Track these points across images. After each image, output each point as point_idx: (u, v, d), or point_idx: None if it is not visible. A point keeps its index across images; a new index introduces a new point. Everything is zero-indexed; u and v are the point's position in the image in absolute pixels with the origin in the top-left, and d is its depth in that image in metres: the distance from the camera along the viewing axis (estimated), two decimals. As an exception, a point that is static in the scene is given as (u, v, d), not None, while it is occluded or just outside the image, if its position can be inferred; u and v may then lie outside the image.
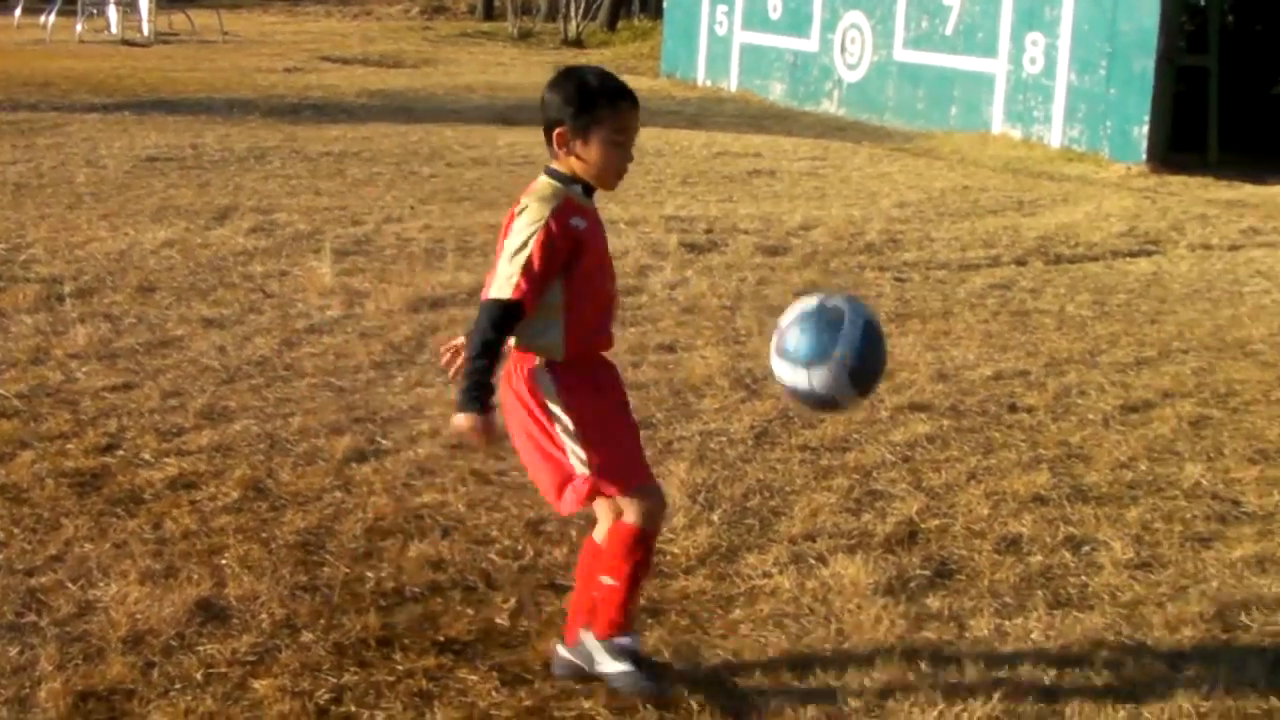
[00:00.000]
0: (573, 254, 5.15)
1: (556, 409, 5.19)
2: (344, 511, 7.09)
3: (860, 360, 5.27)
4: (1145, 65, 22.87)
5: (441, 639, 5.88)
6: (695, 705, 5.38)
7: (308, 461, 7.72)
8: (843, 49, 28.78)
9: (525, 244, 5.04)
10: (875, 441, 8.41)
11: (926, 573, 6.69)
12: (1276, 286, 13.95)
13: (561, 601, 6.16)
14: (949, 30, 26.10)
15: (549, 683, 5.53)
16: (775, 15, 30.55)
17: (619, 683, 5.32)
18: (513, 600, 6.20)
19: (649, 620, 6.08)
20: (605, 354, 5.52)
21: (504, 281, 5.06)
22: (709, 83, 32.35)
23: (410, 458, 7.81)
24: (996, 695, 5.51)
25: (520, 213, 5.15)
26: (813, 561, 6.71)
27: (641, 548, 5.28)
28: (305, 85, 26.82)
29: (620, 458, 5.25)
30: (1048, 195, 18.52)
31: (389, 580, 6.36)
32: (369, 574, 6.42)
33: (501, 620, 6.05)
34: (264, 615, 5.97)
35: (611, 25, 43.82)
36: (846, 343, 5.24)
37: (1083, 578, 6.79)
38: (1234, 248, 16.05)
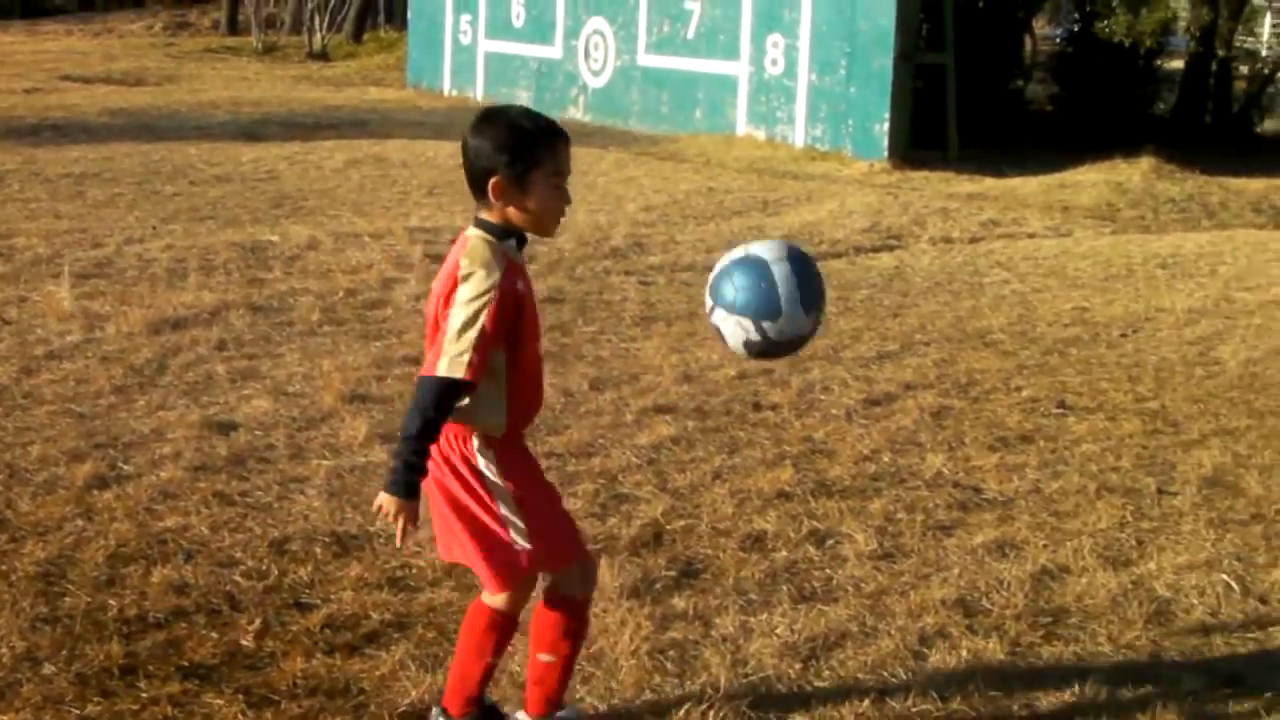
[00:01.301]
0: (513, 322, 4.75)
1: (497, 482, 4.86)
2: (85, 539, 6.89)
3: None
4: (884, 64, 23.26)
5: (186, 664, 5.75)
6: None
7: (48, 490, 7.50)
8: (586, 55, 28.88)
9: (476, 317, 4.61)
10: (620, 445, 8.41)
11: (672, 573, 6.69)
12: (1016, 277, 14.25)
13: (307, 620, 6.07)
14: (690, 34, 26.31)
15: (295, 702, 5.44)
16: (519, 23, 30.60)
17: None
18: (258, 621, 6.08)
19: (395, 635, 6.01)
20: None
21: (456, 360, 4.62)
22: (455, 92, 32.32)
23: (152, 482, 7.62)
24: (742, 691, 5.52)
25: (464, 280, 4.68)
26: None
27: (582, 620, 5.15)
28: (45, 106, 26.25)
29: (561, 530, 5.04)
30: (792, 194, 18.72)
31: (132, 607, 6.20)
32: (111, 602, 6.25)
33: (247, 642, 5.93)
34: (3, 649, 5.79)
35: (357, 37, 43.62)
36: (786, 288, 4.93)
37: (827, 571, 6.85)
38: (974, 240, 16.39)
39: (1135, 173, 22.18)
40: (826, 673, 5.83)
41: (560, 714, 5.22)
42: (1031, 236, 17.11)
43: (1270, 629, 6.53)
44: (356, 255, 13.08)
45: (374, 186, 17.99)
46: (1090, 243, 16.87)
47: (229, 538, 6.95)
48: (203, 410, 8.68)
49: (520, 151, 4.73)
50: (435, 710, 5.22)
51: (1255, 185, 22.53)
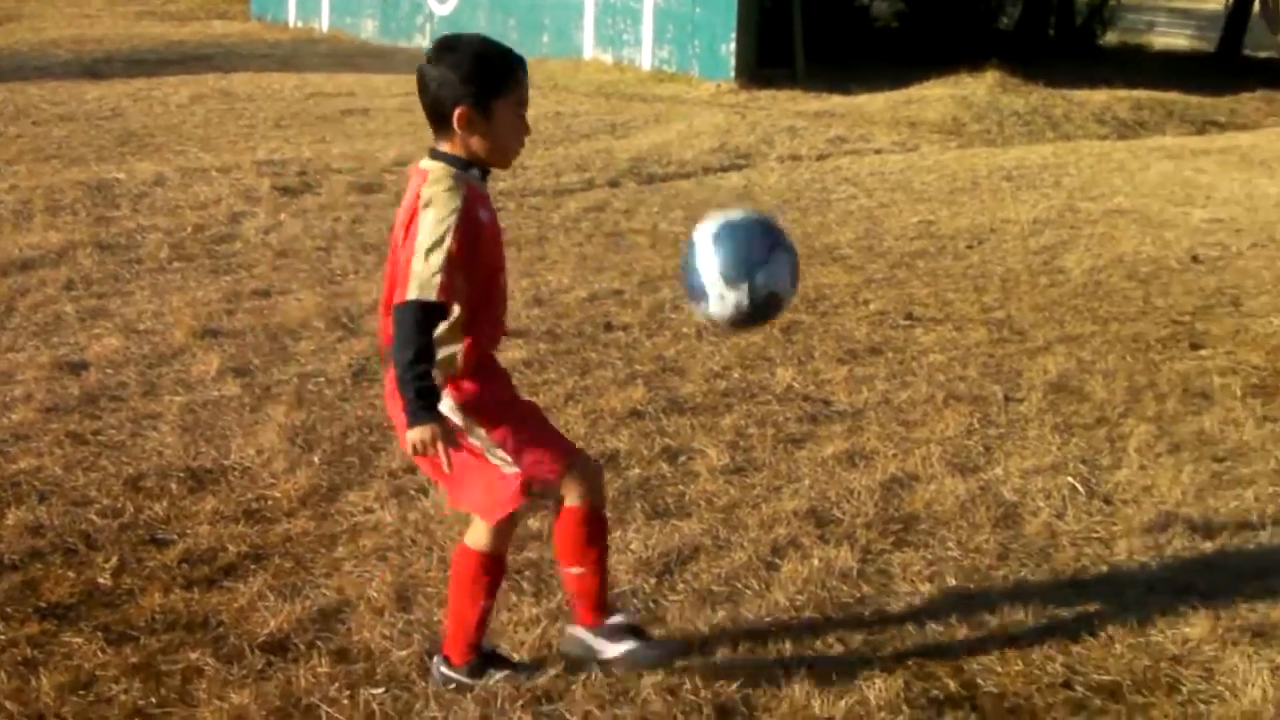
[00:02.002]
0: (474, 249, 4.67)
1: (461, 420, 4.81)
2: (-66, 486, 6.84)
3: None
4: (729, -16, 23.29)
5: (44, 604, 5.72)
6: (303, 645, 5.38)
7: (-107, 436, 7.42)
8: (432, -18, 28.72)
9: (442, 240, 4.54)
10: (474, 370, 8.43)
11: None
12: (863, 192, 14.40)
13: (164, 555, 6.07)
14: (536, -42, 26.24)
15: (154, 638, 5.44)
16: (363, -48, 30.37)
17: (626, 663, 5.11)
18: (114, 559, 6.07)
19: (252, 566, 6.03)
20: None
21: (426, 281, 4.54)
22: (300, 24, 31.97)
23: (4, 425, 7.54)
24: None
25: (425, 207, 4.62)
26: (414, 494, 6.71)
27: (596, 524, 5.06)
28: (-122, 48, 25.75)
29: (542, 444, 4.94)
30: (640, 117, 18.75)
31: (-14, 550, 6.17)
32: (-36, 547, 6.21)
33: (104, 580, 5.91)
34: None
35: (199, -30, 42.95)
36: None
37: (680, 487, 6.93)
38: (822, 157, 16.51)
39: (980, 87, 22.41)
40: (681, 586, 5.91)
41: (613, 620, 5.19)
42: (878, 152, 17.25)
43: (1114, 528, 6.70)
44: (204, 190, 12.96)
45: (220, 121, 17.81)
46: (936, 157, 17.06)
47: (83, 477, 6.91)
48: (53, 351, 8.60)
49: (487, 81, 4.66)
50: (436, 659, 5.18)
51: (1098, 97, 22.82)
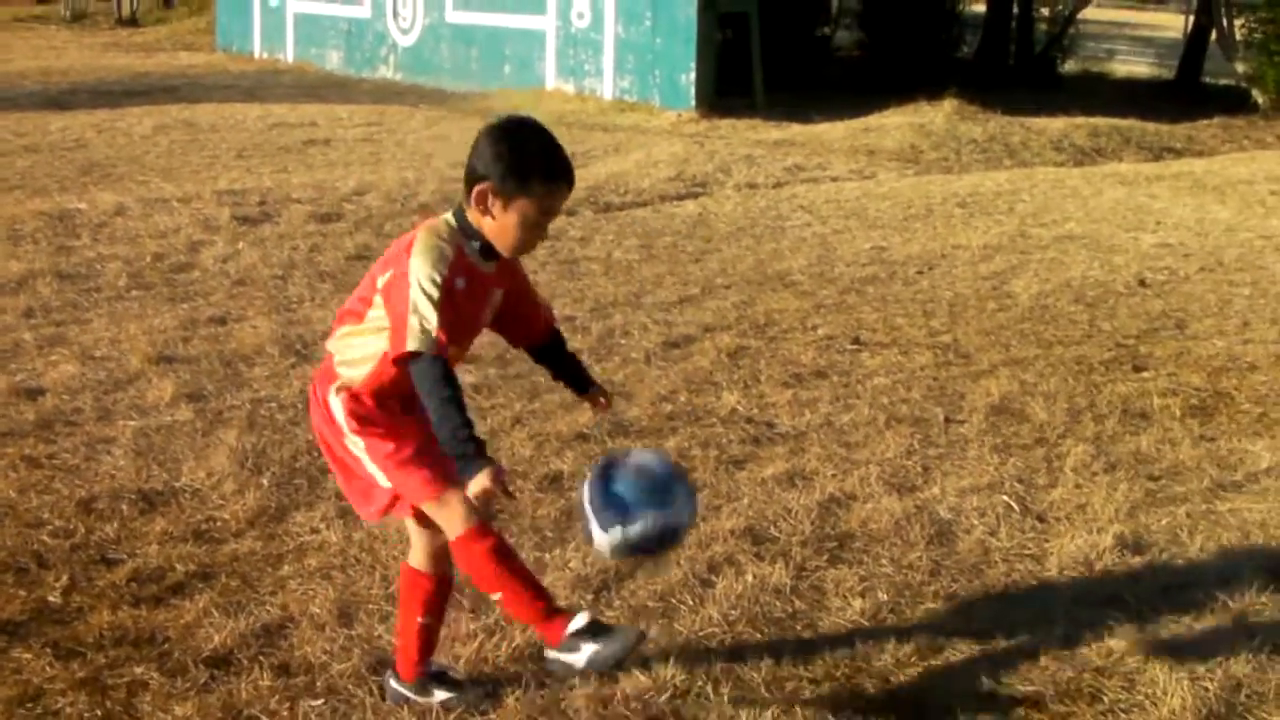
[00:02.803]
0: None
1: (344, 425, 4.89)
2: (-110, 508, 6.95)
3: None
4: (688, 14, 23.58)
5: (-6, 622, 5.85)
6: (245, 660, 5.50)
7: None
8: (395, 14, 28.91)
9: (434, 299, 4.58)
10: (424, 395, 8.56)
11: (471, 515, 6.87)
12: (817, 219, 14.56)
13: (113, 575, 6.19)
14: (497, -11, 26.44)
15: (102, 653, 5.55)
16: (327, -16, 30.54)
17: (597, 667, 4.95)
18: (65, 578, 6.19)
19: (200, 585, 6.15)
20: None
21: (426, 333, 4.57)
22: (266, 55, 32.16)
23: (-42, 449, 7.68)
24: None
25: (417, 253, 4.66)
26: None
27: (482, 542, 4.82)
28: None
29: (422, 468, 4.84)
30: (600, 146, 18.92)
31: (-62, 571, 6.29)
32: (-84, 566, 6.33)
33: (54, 598, 6.02)
34: None
35: (168, 2, 43.12)
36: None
37: (621, 507, 7.05)
38: (778, 185, 16.71)
39: (938, 115, 22.66)
40: (617, 602, 6.05)
41: (569, 628, 4.89)
42: (835, 180, 17.45)
43: (1046, 544, 6.85)
44: (164, 220, 13.07)
45: (183, 151, 17.94)
46: (892, 184, 17.26)
47: (36, 499, 7.02)
48: (9, 377, 8.70)
49: (518, 173, 4.65)
50: (388, 673, 5.31)
51: (1056, 124, 23.09)
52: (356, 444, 4.90)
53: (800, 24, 29.65)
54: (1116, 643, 5.90)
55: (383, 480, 4.91)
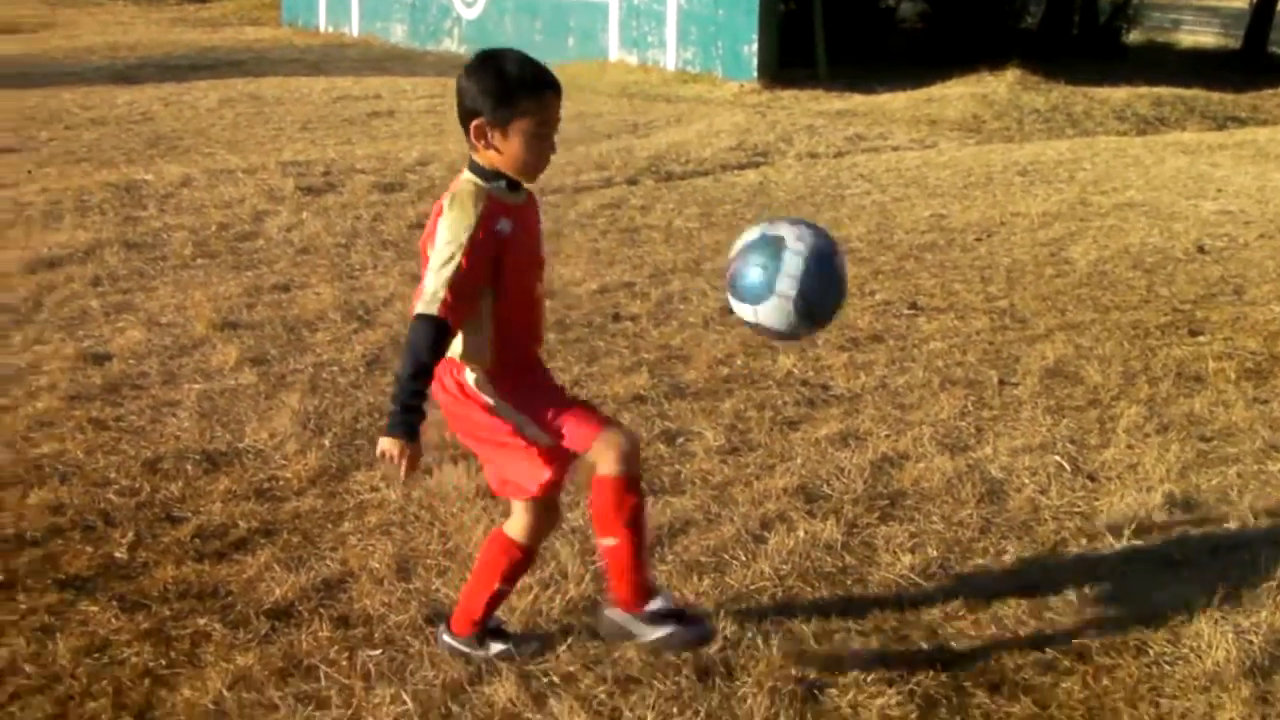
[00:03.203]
0: (497, 261, 4.73)
1: (495, 401, 4.89)
2: (-39, 469, 7.10)
3: (804, 294, 4.90)
4: (751, -15, 23.53)
5: (62, 576, 5.98)
6: (306, 612, 5.63)
7: (-78, 425, 7.70)
8: (460, -13, 29.00)
9: (452, 257, 4.62)
10: (484, 359, 8.68)
11: (528, 474, 6.98)
12: (877, 188, 14.60)
13: (178, 532, 6.33)
14: (561, -38, 26.49)
15: (166, 606, 5.69)
16: (392, -42, 30.68)
17: (664, 646, 5.06)
18: (130, 534, 6.33)
19: (262, 541, 6.28)
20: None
21: (431, 298, 4.62)
22: (331, 29, 32.34)
23: (29, 412, 7.81)
24: (588, 577, 5.83)
25: (443, 217, 4.71)
26: (419, 473, 6.95)
27: (630, 494, 4.91)
28: (-84, 56, 26.11)
29: (571, 416, 4.93)
30: (662, 117, 18.99)
31: (9, 528, 6.40)
32: (-11, 525, 6.48)
33: (120, 554, 6.16)
34: (-119, 570, 6.02)
35: (232, -22, 43.32)
36: (788, 278, 4.89)
37: (676, 466, 7.17)
38: (839, 155, 16.74)
39: (1001, 85, 22.66)
40: (670, 557, 6.15)
41: (652, 605, 5.03)
42: (895, 149, 17.48)
43: (1097, 503, 6.91)
44: (229, 190, 13.25)
45: (248, 124, 18.12)
46: (953, 153, 17.27)
47: (103, 459, 7.17)
48: (78, 343, 8.87)
49: (504, 98, 4.70)
50: (441, 626, 5.39)
51: (1119, 94, 23.02)
52: (508, 410, 4.92)
53: (865, -6, 29.68)
54: (1163, 597, 5.96)
55: (538, 435, 4.93)
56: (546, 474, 4.99)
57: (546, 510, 5.16)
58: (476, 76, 4.75)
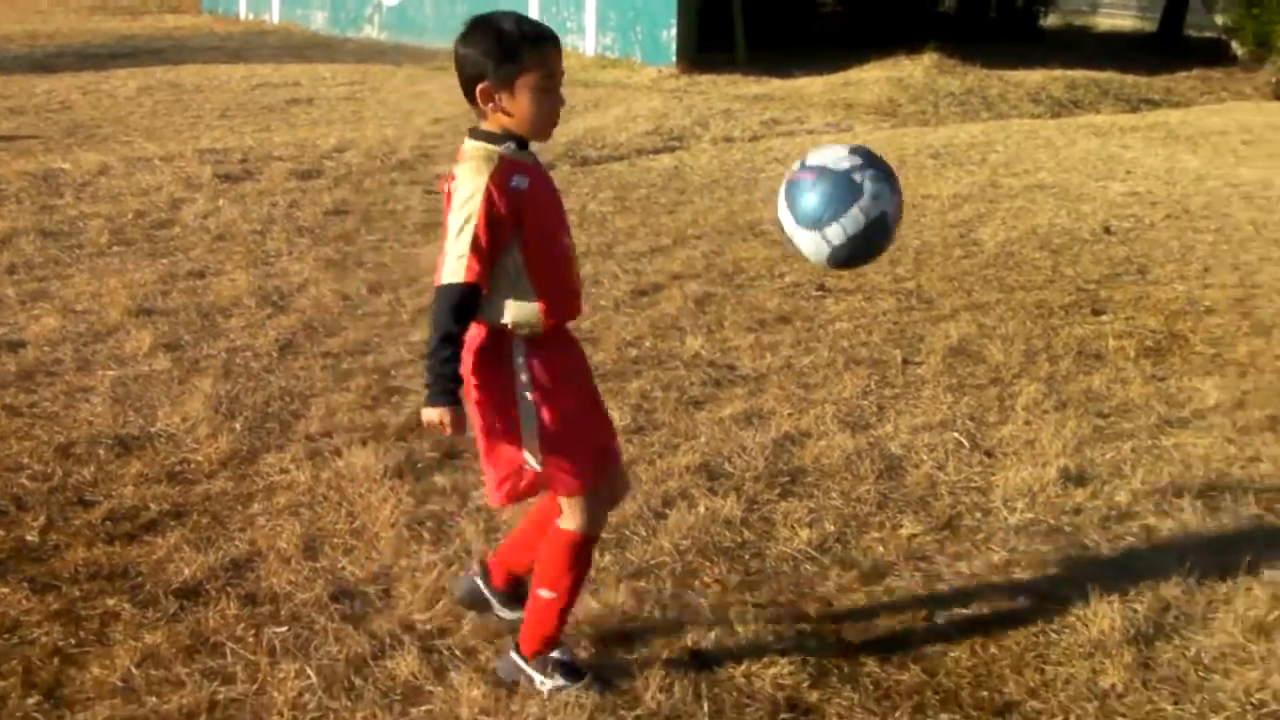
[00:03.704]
0: (518, 217, 4.61)
1: (523, 394, 4.75)
2: None
3: (844, 247, 4.96)
4: (669, -30, 23.67)
5: (-27, 563, 6.08)
6: (214, 591, 5.74)
7: None
8: (381, -27, 29.03)
9: (469, 219, 4.53)
10: (395, 343, 8.80)
11: (435, 455, 7.10)
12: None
13: (89, 515, 6.42)
14: (481, -52, 26.55)
15: (76, 587, 5.77)
16: (312, -56, 30.66)
17: (554, 695, 5.03)
18: (42, 518, 6.40)
19: (172, 523, 6.37)
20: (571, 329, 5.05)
21: (455, 263, 4.55)
22: (251, 16, 32.30)
23: (-59, 400, 7.89)
24: (492, 550, 5.94)
25: (455, 185, 4.64)
26: (328, 455, 7.07)
27: (585, 556, 5.01)
28: None
29: (577, 453, 4.86)
30: (580, 102, 19.07)
31: (-81, 515, 6.50)
32: (-103, 511, 6.54)
33: (31, 537, 6.23)
34: None
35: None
36: (840, 228, 4.92)
37: (582, 446, 7.29)
38: (754, 139, 16.91)
39: (917, 69, 22.89)
40: (570, 534, 6.29)
41: (555, 654, 5.10)
42: (811, 133, 17.65)
43: (993, 478, 7.09)
44: (147, 179, 13.29)
45: (167, 112, 18.13)
46: (867, 136, 17.47)
47: (16, 445, 7.24)
48: (-8, 331, 8.94)
49: (506, 56, 4.62)
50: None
51: (1035, 77, 23.29)
52: (528, 412, 4.79)
53: (783, -21, 29.84)
54: (1053, 569, 6.15)
55: (533, 462, 4.82)
56: (501, 497, 4.97)
57: (601, 495, 5.04)
58: (475, 40, 4.68)
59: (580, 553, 4.99)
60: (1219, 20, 29.97)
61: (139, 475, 6.86)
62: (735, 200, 13.25)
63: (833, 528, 6.45)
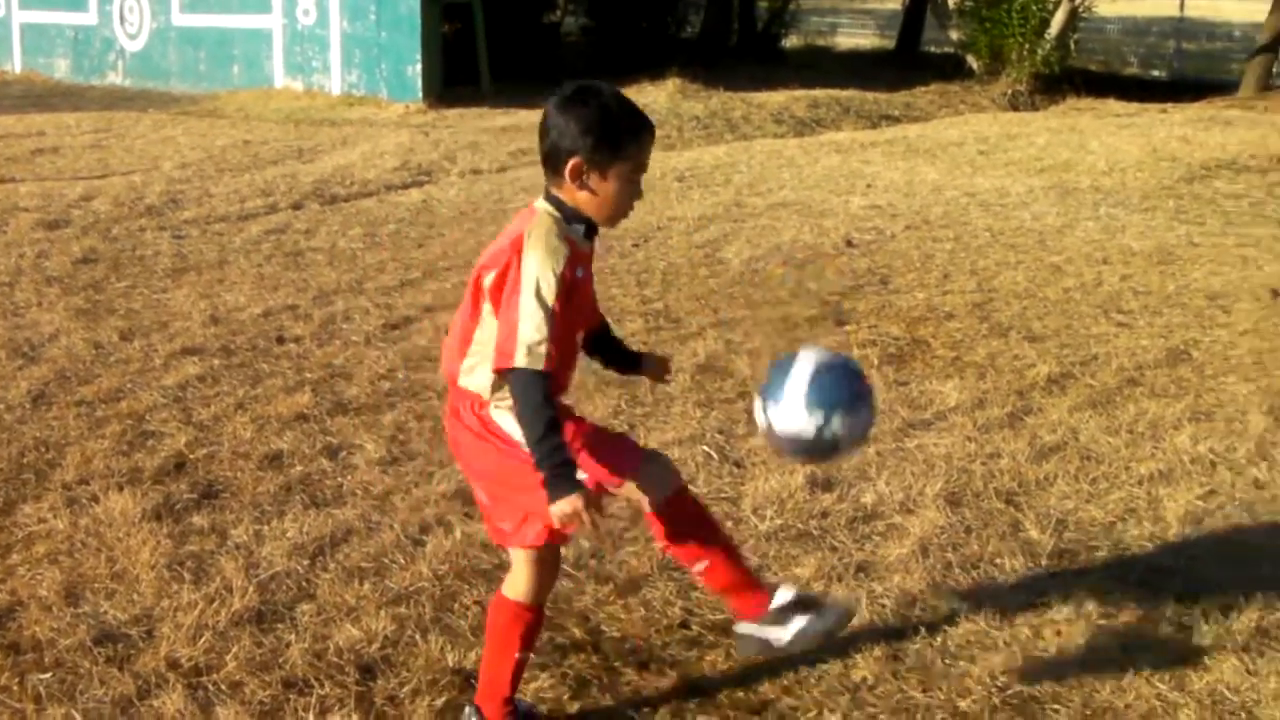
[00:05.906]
0: (565, 308, 4.44)
1: (514, 432, 4.57)
2: None
3: (803, 452, 4.96)
4: (412, 7, 23.88)
5: None
6: None
7: None
8: (122, 19, 28.78)
9: (545, 303, 4.36)
10: (148, 388, 8.78)
11: (193, 496, 7.12)
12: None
13: None
14: (222, -10, 26.47)
15: None
16: (51, -7, 30.34)
17: (802, 643, 4.98)
18: None
19: (-74, 579, 6.35)
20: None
21: (535, 350, 4.34)
22: (-9, 67, 31.76)
23: None
24: (251, 589, 6.01)
25: (528, 255, 4.42)
26: (86, 502, 7.05)
27: (689, 513, 4.95)
28: None
29: (608, 447, 4.86)
30: (328, 141, 19.12)
31: None
32: None
33: None
34: None
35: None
36: (806, 433, 4.84)
37: (338, 479, 7.37)
38: (502, 169, 17.09)
39: (661, 94, 23.20)
40: (332, 565, 6.35)
41: (775, 602, 5.02)
42: (559, 162, 17.81)
43: (742, 487, 7.29)
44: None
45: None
46: (613, 163, 17.65)
47: None
48: None
49: (607, 139, 4.48)
50: (469, 709, 5.10)
51: (777, 98, 23.72)
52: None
53: (527, 12, 30.03)
54: (802, 571, 6.35)
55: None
56: (535, 537, 4.77)
57: (549, 562, 4.92)
58: (577, 114, 4.49)
59: (683, 514, 4.95)
60: (954, 35, 30.75)
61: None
62: (484, 231, 13.37)
63: (587, 544, 6.58)
